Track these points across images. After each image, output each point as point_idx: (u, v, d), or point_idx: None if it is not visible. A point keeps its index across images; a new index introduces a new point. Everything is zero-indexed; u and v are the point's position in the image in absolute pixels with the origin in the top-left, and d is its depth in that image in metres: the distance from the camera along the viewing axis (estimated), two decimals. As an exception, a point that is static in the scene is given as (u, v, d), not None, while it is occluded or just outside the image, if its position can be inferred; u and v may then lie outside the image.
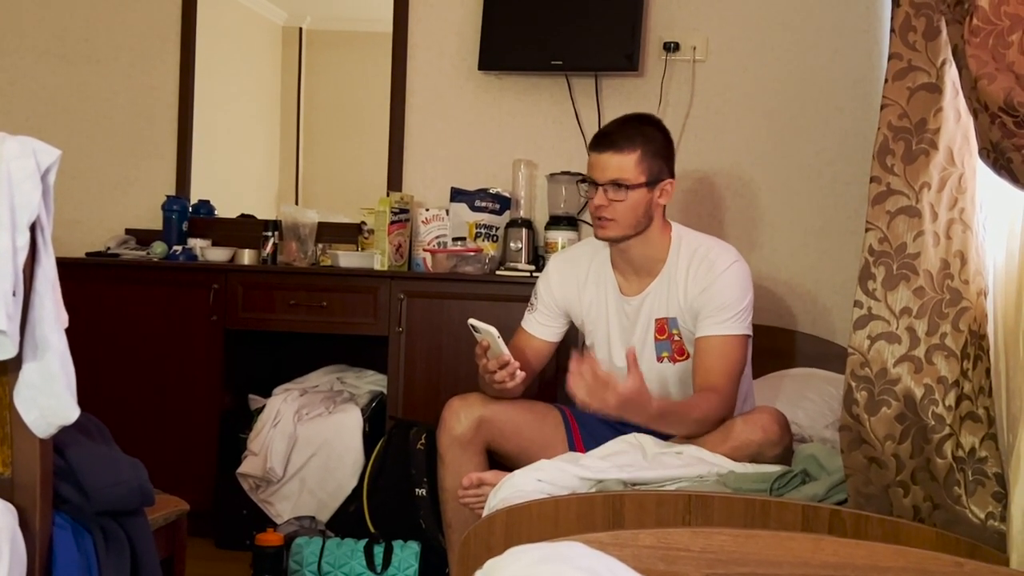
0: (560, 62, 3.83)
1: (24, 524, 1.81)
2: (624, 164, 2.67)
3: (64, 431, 1.84)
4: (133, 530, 2.08)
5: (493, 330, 2.57)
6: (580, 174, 2.83)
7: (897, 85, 2.05)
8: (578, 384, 2.39)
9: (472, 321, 2.60)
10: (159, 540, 2.27)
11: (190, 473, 3.61)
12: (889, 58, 2.06)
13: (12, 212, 1.68)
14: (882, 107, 2.06)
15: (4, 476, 1.83)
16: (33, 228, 1.73)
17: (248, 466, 3.61)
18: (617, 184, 2.66)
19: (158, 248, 3.90)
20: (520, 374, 2.64)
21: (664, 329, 2.76)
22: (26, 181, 1.68)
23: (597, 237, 2.76)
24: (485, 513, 2.38)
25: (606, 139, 2.71)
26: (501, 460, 2.75)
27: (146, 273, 3.81)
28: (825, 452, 2.48)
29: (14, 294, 1.70)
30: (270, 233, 3.88)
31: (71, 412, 1.79)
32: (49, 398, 1.78)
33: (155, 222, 4.05)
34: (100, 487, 1.99)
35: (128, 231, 4.14)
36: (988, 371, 2.06)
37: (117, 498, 2.02)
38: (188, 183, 4.18)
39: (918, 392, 2.03)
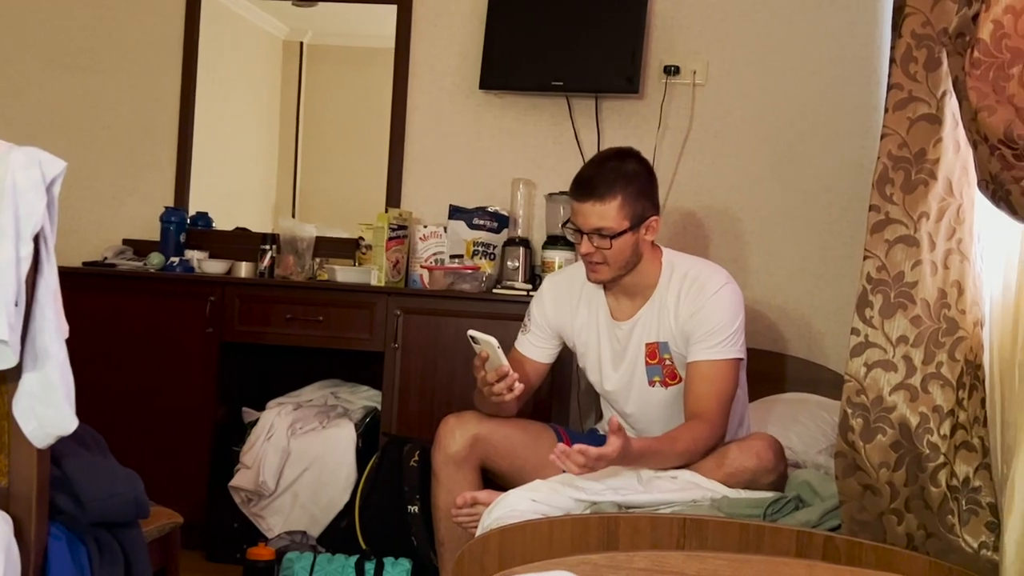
0: (561, 83, 3.85)
1: (19, 534, 1.80)
2: (606, 212, 2.64)
3: (61, 441, 1.84)
4: (127, 541, 2.08)
5: (493, 341, 2.57)
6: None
7: (897, 115, 2.06)
8: (564, 463, 2.39)
9: (472, 332, 2.60)
10: (152, 552, 2.26)
11: (182, 485, 3.60)
12: (889, 88, 2.08)
13: (16, 222, 1.69)
14: (882, 136, 2.08)
15: (0, 486, 1.83)
16: (36, 238, 1.74)
17: (240, 479, 3.60)
18: (601, 233, 2.66)
19: (155, 259, 3.90)
20: (519, 386, 2.64)
21: (655, 353, 2.76)
22: (31, 191, 1.69)
23: (590, 280, 2.76)
24: (479, 532, 2.38)
25: (586, 187, 2.67)
26: (495, 479, 2.75)
27: (142, 284, 3.81)
28: (819, 478, 2.49)
29: (16, 304, 1.71)
30: (268, 246, 3.88)
31: (69, 423, 1.79)
32: (48, 408, 1.78)
33: (153, 233, 4.06)
34: (96, 498, 1.99)
35: (125, 241, 4.15)
36: (983, 401, 2.07)
37: (112, 509, 2.02)
38: (187, 195, 4.18)
39: (913, 420, 2.05)
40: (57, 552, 1.89)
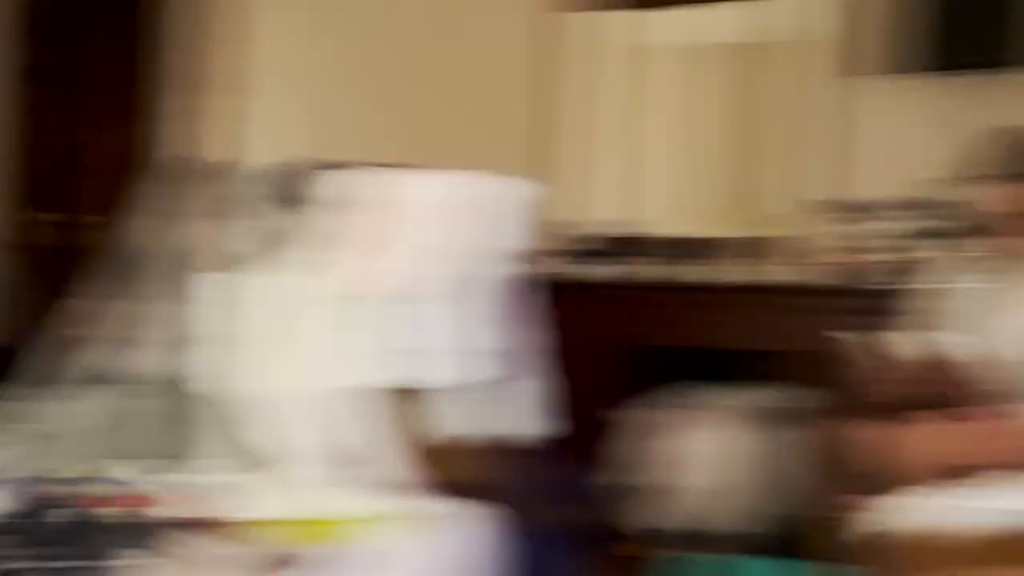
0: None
1: (488, 534, 1.94)
2: None
3: (530, 444, 1.96)
4: (562, 539, 2.20)
5: (885, 341, 2.49)
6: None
7: None
8: None
9: (851, 335, 2.53)
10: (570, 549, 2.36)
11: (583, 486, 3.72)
12: None
13: (496, 242, 1.82)
14: None
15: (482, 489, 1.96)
16: (512, 256, 1.87)
17: (641, 479, 3.69)
18: None
19: (564, 269, 4.00)
20: (910, 388, 2.51)
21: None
22: (510, 214, 1.82)
23: None
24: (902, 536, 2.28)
25: None
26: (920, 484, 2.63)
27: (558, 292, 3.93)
28: None
29: (492, 318, 1.84)
30: (673, 250, 3.94)
31: (537, 428, 1.91)
32: (516, 414, 1.90)
33: (559, 242, 4.12)
34: (544, 499, 2.11)
35: (534, 252, 4.27)
36: None
37: (558, 510, 2.14)
38: (585, 204, 4.23)
39: None
40: (514, 550, 2.01)
